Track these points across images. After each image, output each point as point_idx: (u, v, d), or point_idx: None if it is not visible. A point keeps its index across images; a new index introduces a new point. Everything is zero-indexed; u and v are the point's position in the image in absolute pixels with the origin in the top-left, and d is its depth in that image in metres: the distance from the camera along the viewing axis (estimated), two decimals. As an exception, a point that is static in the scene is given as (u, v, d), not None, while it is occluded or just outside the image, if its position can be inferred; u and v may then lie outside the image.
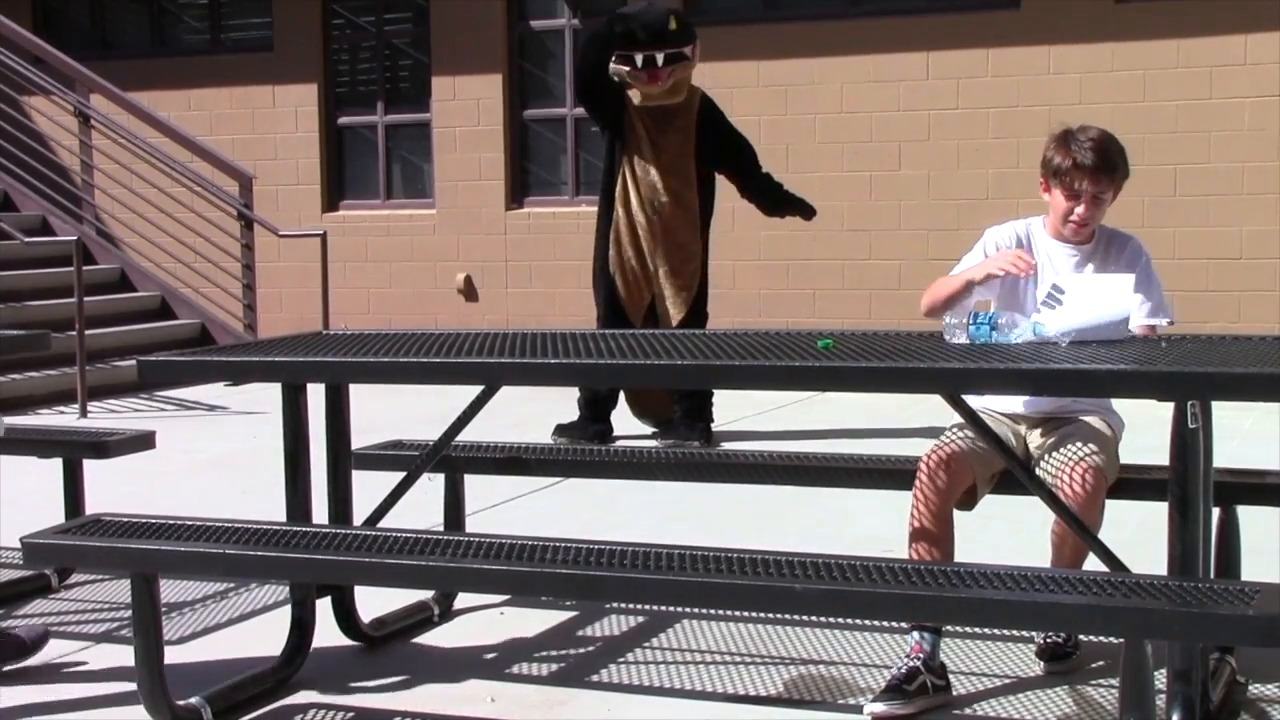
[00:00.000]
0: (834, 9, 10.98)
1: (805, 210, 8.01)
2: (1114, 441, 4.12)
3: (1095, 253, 4.20)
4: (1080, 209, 4.12)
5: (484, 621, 4.72)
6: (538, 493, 6.41)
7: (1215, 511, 3.78)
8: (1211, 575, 3.63)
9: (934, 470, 3.95)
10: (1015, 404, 4.18)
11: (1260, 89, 9.86)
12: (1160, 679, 3.40)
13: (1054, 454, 3.99)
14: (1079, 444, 3.97)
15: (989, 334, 3.81)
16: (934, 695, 3.84)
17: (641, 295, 7.74)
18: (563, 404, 7.92)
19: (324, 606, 4.31)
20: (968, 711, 3.84)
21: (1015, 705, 3.87)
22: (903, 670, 3.84)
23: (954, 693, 3.92)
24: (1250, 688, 3.90)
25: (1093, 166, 4.08)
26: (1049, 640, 4.12)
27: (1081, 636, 4.13)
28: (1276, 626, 2.99)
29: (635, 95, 7.72)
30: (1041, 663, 4.10)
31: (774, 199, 7.99)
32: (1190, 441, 3.41)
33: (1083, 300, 3.83)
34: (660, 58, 7.48)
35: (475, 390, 4.33)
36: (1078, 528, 3.80)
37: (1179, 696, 3.42)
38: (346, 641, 4.43)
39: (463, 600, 4.82)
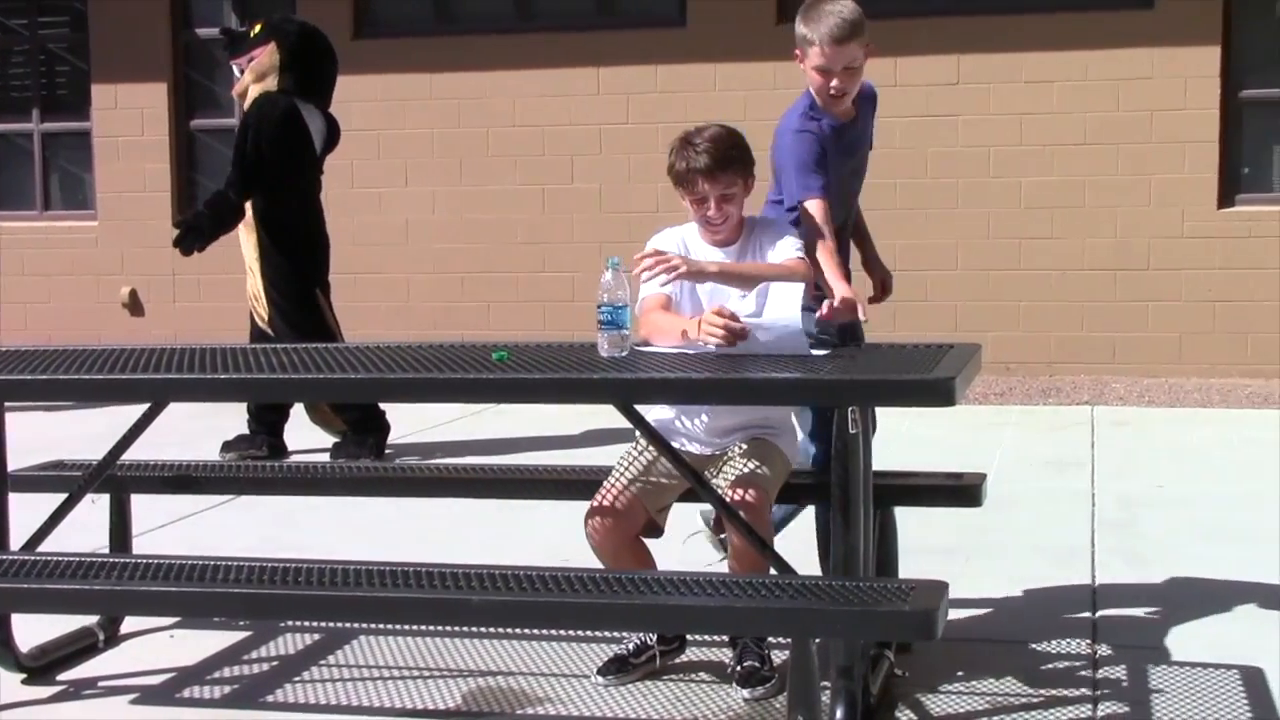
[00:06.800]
0: (506, 23, 11.04)
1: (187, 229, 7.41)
2: (783, 460, 4.11)
3: (747, 247, 4.20)
4: (711, 211, 4.16)
5: (153, 646, 4.57)
6: (208, 511, 6.26)
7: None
8: (872, 574, 3.78)
9: (597, 523, 4.05)
10: (692, 446, 4.17)
11: (908, 110, 10.33)
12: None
13: (726, 470, 4.04)
14: (745, 461, 4.02)
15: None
16: (659, 660, 4.15)
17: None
18: (232, 419, 7.74)
19: (-21, 637, 4.13)
20: (638, 714, 3.91)
21: (686, 705, 3.96)
22: (631, 645, 4.16)
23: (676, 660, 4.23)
24: (905, 679, 4.08)
25: (708, 168, 4.13)
26: (745, 665, 4.05)
27: (775, 657, 4.14)
28: (931, 621, 3.16)
29: None
30: (742, 690, 4.00)
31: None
32: (851, 446, 3.55)
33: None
34: (234, 68, 7.52)
35: (142, 408, 4.21)
36: (748, 534, 3.87)
37: (842, 692, 3.55)
38: (4, 673, 4.23)
39: (130, 624, 4.66)
